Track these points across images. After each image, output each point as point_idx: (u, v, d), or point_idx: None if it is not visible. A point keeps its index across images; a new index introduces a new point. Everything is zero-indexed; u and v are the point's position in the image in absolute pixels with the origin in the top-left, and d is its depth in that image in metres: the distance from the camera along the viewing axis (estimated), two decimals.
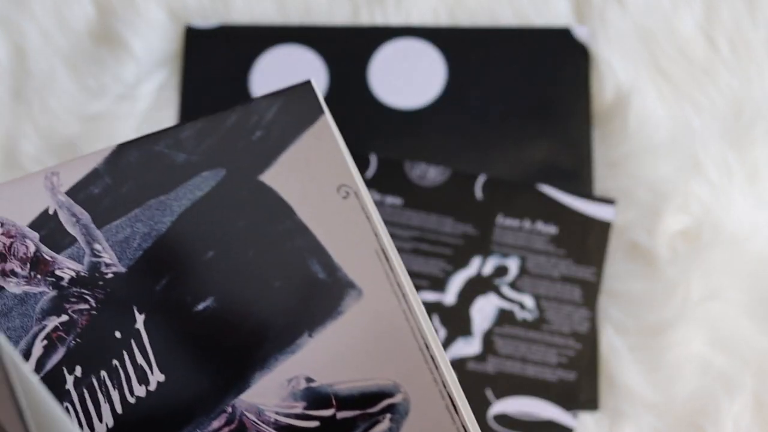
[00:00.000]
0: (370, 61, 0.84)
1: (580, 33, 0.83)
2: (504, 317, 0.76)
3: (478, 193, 0.78)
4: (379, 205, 0.79)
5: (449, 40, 0.84)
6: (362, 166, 0.80)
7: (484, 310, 0.76)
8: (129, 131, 0.82)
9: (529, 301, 0.76)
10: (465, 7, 0.85)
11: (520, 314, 0.76)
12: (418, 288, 0.77)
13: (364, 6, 0.85)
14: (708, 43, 0.82)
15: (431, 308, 0.77)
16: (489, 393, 0.71)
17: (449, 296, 0.77)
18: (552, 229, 0.77)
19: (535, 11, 0.84)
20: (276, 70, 0.84)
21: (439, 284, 0.77)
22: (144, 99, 0.83)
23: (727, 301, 0.77)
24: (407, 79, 0.84)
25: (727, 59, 0.81)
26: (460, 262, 0.78)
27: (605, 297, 0.78)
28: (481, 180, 0.78)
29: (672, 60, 0.82)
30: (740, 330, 0.76)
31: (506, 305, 0.76)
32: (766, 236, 0.78)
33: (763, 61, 0.81)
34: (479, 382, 0.74)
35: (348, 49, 0.85)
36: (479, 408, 0.70)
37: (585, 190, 0.80)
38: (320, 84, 0.84)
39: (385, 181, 0.80)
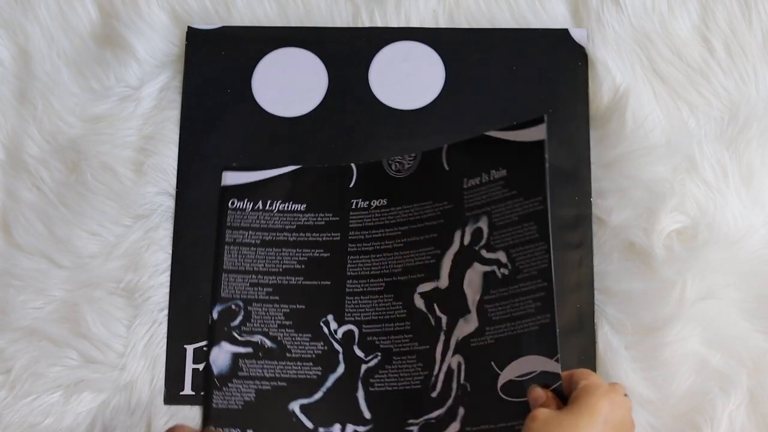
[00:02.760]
0: (370, 63, 0.85)
1: (578, 35, 0.84)
2: (488, 281, 0.75)
3: (445, 164, 0.79)
4: (365, 210, 0.80)
5: (448, 43, 0.85)
6: (345, 176, 0.81)
7: (473, 282, 0.76)
8: (132, 132, 0.83)
9: (502, 256, 0.75)
10: (464, 9, 0.85)
11: (499, 272, 0.75)
12: (416, 281, 0.78)
13: (364, 9, 0.85)
14: (704, 45, 0.83)
15: (430, 297, 0.78)
16: (493, 366, 0.72)
17: (443, 280, 0.77)
18: (502, 173, 0.76)
19: (532, 14, 0.84)
20: (277, 72, 0.85)
21: (433, 271, 0.78)
22: (147, 100, 0.83)
23: (722, 300, 0.77)
24: (407, 80, 0.84)
25: (723, 61, 0.82)
26: (446, 242, 0.78)
27: (602, 296, 0.78)
28: (444, 150, 0.79)
29: (668, 62, 0.82)
30: (736, 329, 0.77)
31: (488, 268, 0.75)
32: (761, 236, 0.78)
33: (759, 63, 0.82)
34: (483, 357, 0.74)
35: (348, 51, 0.85)
36: (490, 384, 0.72)
37: (583, 191, 0.80)
38: (320, 85, 0.84)
39: (368, 186, 0.81)
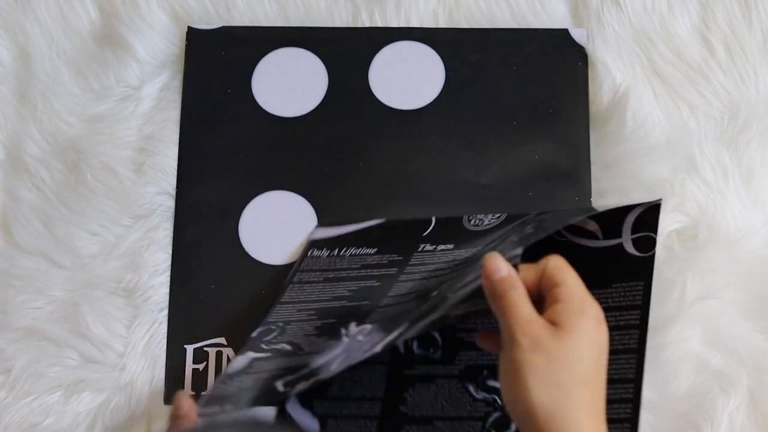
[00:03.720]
0: (370, 63, 0.85)
1: (578, 35, 0.84)
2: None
3: (529, 229, 0.70)
4: (430, 252, 0.77)
5: (448, 42, 0.85)
6: (424, 226, 0.79)
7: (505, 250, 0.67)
8: (132, 132, 0.83)
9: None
10: (464, 9, 0.85)
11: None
12: (450, 289, 0.70)
13: (364, 9, 0.85)
14: (704, 45, 0.83)
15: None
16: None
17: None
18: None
19: (532, 13, 0.84)
20: (277, 72, 0.85)
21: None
22: (147, 100, 0.83)
23: (722, 300, 0.77)
24: (407, 80, 0.84)
25: (723, 61, 0.82)
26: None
27: None
28: (533, 217, 0.72)
29: (668, 62, 0.82)
30: (736, 329, 0.77)
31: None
32: (761, 236, 0.78)
33: (759, 64, 0.82)
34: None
35: (348, 51, 0.85)
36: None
37: (583, 191, 0.81)
38: (320, 85, 0.85)
39: (441, 234, 0.78)
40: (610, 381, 0.60)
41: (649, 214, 0.67)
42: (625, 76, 0.82)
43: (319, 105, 0.84)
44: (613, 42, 0.83)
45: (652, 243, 0.67)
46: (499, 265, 0.59)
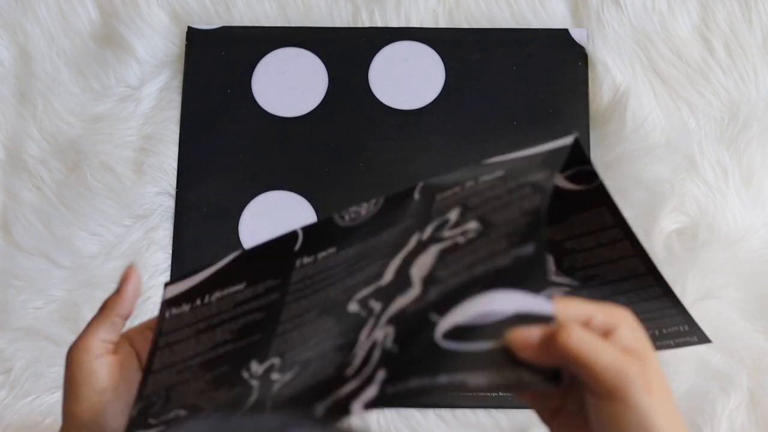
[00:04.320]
0: (370, 63, 0.85)
1: (578, 35, 0.84)
2: (444, 255, 0.55)
3: (416, 195, 0.61)
4: (311, 264, 0.64)
5: (448, 43, 0.85)
6: (289, 243, 0.65)
7: (423, 264, 0.56)
8: (132, 132, 0.83)
9: (473, 224, 0.55)
10: (464, 9, 0.85)
11: (463, 238, 0.55)
12: (354, 294, 0.61)
13: (364, 9, 0.85)
14: (704, 45, 0.83)
15: (366, 299, 0.60)
16: (432, 317, 0.51)
17: (386, 278, 0.59)
18: (497, 173, 0.58)
19: (532, 13, 0.84)
20: (277, 72, 0.85)
21: (375, 276, 0.60)
22: (147, 100, 0.83)
23: (722, 300, 0.77)
24: (407, 80, 0.84)
25: (723, 61, 0.82)
26: (397, 249, 0.60)
27: None
28: (418, 188, 0.61)
29: (668, 62, 0.82)
30: (736, 329, 0.77)
31: (447, 243, 0.56)
32: (761, 236, 0.78)
33: (759, 64, 0.82)
34: (420, 315, 0.53)
35: (348, 51, 0.85)
36: (426, 335, 0.49)
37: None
38: (320, 85, 0.84)
39: (314, 243, 0.65)
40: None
41: (573, 154, 0.57)
42: (625, 76, 0.82)
43: (319, 105, 0.84)
44: (613, 42, 0.83)
45: (590, 175, 0.57)
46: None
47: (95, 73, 0.84)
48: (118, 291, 0.65)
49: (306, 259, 0.65)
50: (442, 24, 0.85)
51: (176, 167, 0.82)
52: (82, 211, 0.81)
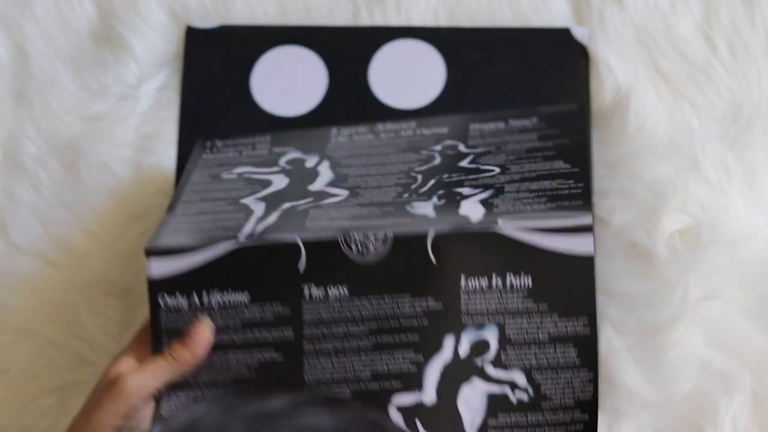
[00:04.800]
0: (370, 62, 0.85)
1: (579, 33, 0.84)
2: (496, 404, 0.64)
3: (432, 257, 0.64)
4: (322, 301, 0.65)
5: (449, 41, 0.84)
6: (292, 257, 0.65)
7: (471, 402, 0.64)
8: (130, 131, 0.83)
9: (519, 377, 0.64)
10: (464, 8, 0.85)
11: (514, 396, 0.64)
12: (390, 391, 0.65)
13: (364, 7, 0.85)
14: (707, 44, 0.82)
15: (411, 413, 0.65)
16: None
17: (428, 394, 0.64)
18: (526, 281, 0.64)
19: (534, 12, 0.84)
20: (276, 71, 0.85)
21: (413, 381, 0.65)
22: (145, 99, 0.83)
23: (725, 300, 0.77)
24: (407, 79, 0.84)
25: (726, 60, 0.82)
26: (432, 348, 0.65)
27: (604, 296, 0.78)
28: (429, 240, 0.64)
29: (671, 61, 0.82)
30: (739, 330, 0.76)
31: (495, 389, 0.64)
32: (764, 236, 0.78)
33: (762, 62, 0.81)
34: None
35: (348, 49, 0.85)
36: None
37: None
38: (320, 84, 0.84)
39: (322, 271, 0.66)
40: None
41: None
42: (627, 75, 0.81)
43: (318, 104, 0.84)
44: (615, 41, 0.82)
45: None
46: None
47: (93, 72, 0.84)
48: (186, 341, 0.65)
49: (315, 291, 0.64)
50: (443, 23, 0.85)
51: (175, 167, 0.82)
52: (80, 211, 0.80)
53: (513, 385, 0.64)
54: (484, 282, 0.64)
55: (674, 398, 0.75)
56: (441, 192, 0.68)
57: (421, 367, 0.64)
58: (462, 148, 0.71)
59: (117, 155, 0.82)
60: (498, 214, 0.65)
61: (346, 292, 0.65)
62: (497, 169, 0.69)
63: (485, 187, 0.68)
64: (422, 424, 0.64)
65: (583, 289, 0.64)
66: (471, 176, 0.69)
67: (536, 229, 0.64)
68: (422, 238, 0.64)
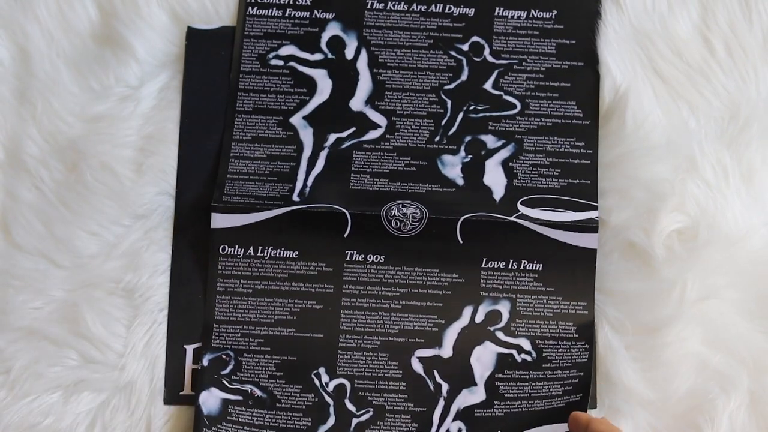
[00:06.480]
0: None
1: None
2: (503, 362, 0.76)
3: (459, 237, 0.76)
4: (360, 264, 0.77)
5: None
6: (339, 224, 0.77)
7: (482, 359, 0.76)
8: (131, 132, 0.83)
9: (525, 343, 0.76)
10: None
11: (519, 357, 0.76)
12: (414, 345, 0.77)
13: None
14: (704, 45, 0.83)
15: (430, 363, 0.77)
16: None
17: (446, 350, 0.77)
18: (537, 266, 0.76)
19: None
20: None
21: (434, 339, 0.77)
22: (146, 100, 0.83)
23: (723, 300, 0.77)
24: None
25: (723, 61, 0.82)
26: (452, 314, 0.77)
27: (602, 296, 0.78)
28: (459, 223, 0.76)
29: (668, 62, 0.82)
30: (736, 329, 0.77)
31: (504, 351, 0.76)
32: (761, 236, 0.78)
33: (759, 63, 0.82)
34: (489, 426, 0.74)
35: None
36: None
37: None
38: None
39: (364, 239, 0.77)
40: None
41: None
42: (625, 76, 0.81)
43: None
44: (613, 42, 0.83)
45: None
46: None
47: (95, 73, 0.84)
48: None
49: (357, 256, 0.77)
50: None
51: (176, 167, 0.82)
52: (82, 211, 0.80)
53: (519, 349, 0.76)
54: (501, 264, 0.77)
55: (672, 397, 0.75)
56: (468, 139, 0.77)
57: (441, 329, 0.77)
58: (487, 53, 0.78)
59: (118, 155, 0.82)
60: (517, 189, 0.78)
61: (383, 260, 0.77)
62: (518, 105, 0.78)
63: (506, 139, 0.78)
64: (438, 372, 0.76)
65: (585, 277, 0.76)
66: (494, 113, 0.78)
67: (550, 224, 0.76)
68: (453, 221, 0.76)
